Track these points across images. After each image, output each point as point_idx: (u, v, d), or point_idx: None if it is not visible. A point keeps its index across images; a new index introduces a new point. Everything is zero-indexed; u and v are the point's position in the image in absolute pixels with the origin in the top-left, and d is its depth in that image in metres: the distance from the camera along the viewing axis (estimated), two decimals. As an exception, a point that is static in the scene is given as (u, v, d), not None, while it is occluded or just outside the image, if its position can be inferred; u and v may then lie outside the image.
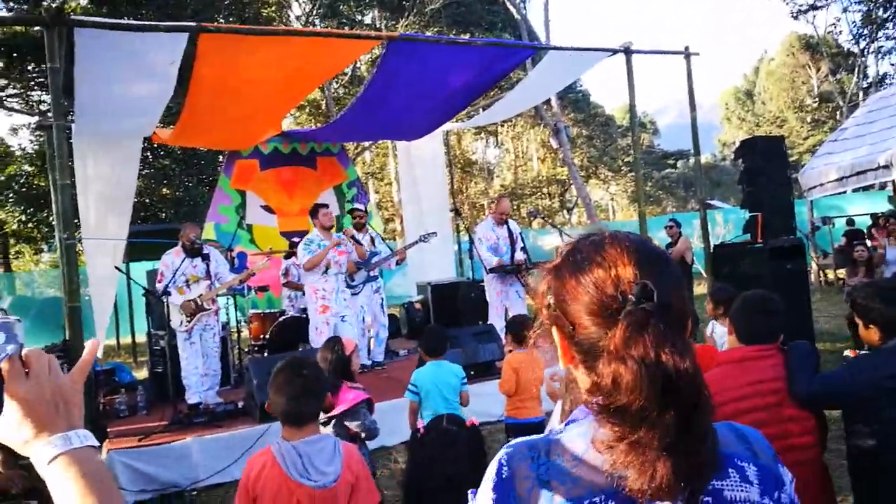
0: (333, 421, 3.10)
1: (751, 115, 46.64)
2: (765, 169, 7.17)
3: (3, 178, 16.38)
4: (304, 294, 7.11)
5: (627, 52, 7.16)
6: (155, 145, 13.76)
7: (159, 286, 5.86)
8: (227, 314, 7.22)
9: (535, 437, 0.95)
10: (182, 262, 5.92)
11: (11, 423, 0.78)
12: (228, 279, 6.33)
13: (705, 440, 0.86)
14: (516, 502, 0.88)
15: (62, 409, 0.81)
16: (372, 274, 7.38)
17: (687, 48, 7.59)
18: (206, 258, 6.09)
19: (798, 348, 2.32)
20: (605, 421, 0.86)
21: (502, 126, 32.18)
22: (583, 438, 0.90)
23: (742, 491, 0.90)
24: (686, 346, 0.86)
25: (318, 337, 6.39)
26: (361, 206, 7.63)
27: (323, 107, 22.86)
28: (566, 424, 0.94)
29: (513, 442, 0.95)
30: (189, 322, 5.91)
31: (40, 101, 17.78)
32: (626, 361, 0.84)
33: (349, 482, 2.09)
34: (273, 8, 21.11)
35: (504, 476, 0.90)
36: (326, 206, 6.95)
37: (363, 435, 3.13)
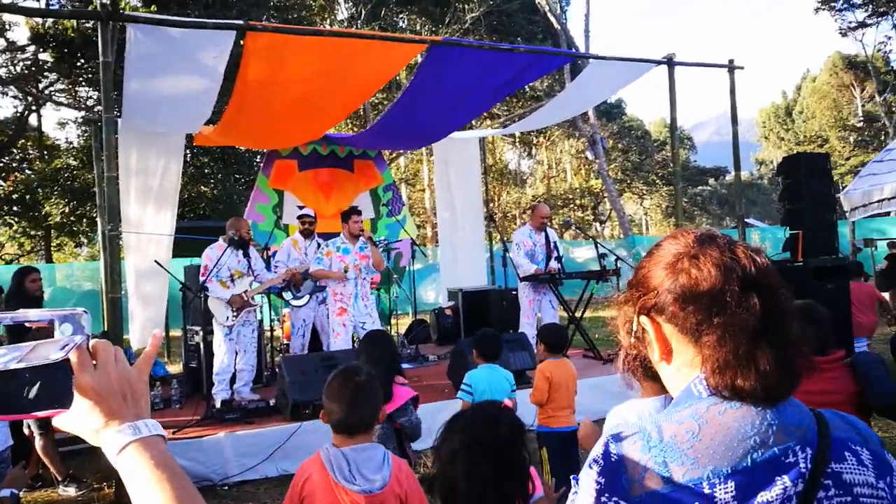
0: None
1: (790, 133, 45.86)
2: (808, 187, 7.03)
3: (49, 171, 16.81)
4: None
5: (670, 63, 7.08)
6: (194, 144, 14.01)
7: (202, 280, 5.91)
8: (261, 313, 7.28)
9: (638, 421, 0.95)
10: (225, 256, 5.94)
11: (81, 412, 0.79)
12: (269, 277, 6.36)
13: (793, 333, 0.92)
14: (629, 484, 0.88)
15: (130, 399, 0.81)
16: (320, 284, 6.79)
17: (731, 61, 7.49)
18: (246, 254, 6.15)
19: (867, 357, 2.31)
20: (692, 312, 0.92)
21: (537, 136, 32.11)
22: (694, 419, 0.90)
23: (860, 474, 0.90)
24: (759, 249, 0.95)
25: (335, 339, 6.36)
26: (311, 213, 7.22)
27: (361, 112, 23.08)
28: (670, 409, 0.95)
29: (616, 426, 0.96)
30: (235, 317, 5.95)
31: (88, 97, 18.27)
32: (700, 257, 0.94)
33: (398, 494, 2.06)
34: (316, 12, 21.41)
35: (613, 459, 0.91)
36: (360, 213, 6.71)
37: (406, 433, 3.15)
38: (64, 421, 0.80)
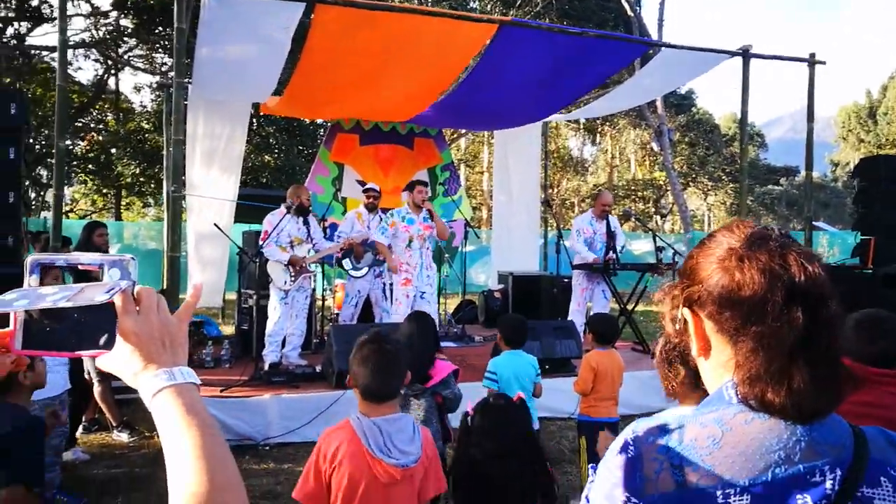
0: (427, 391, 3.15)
1: (871, 135, 43.72)
2: (884, 191, 6.70)
3: (123, 132, 17.44)
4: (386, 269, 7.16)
5: (746, 55, 6.81)
6: (260, 114, 14.29)
7: (261, 244, 6.04)
8: (314, 281, 7.42)
9: (664, 416, 0.92)
10: (285, 221, 6.06)
11: (122, 355, 0.82)
12: (327, 246, 6.51)
13: (838, 349, 0.86)
14: (642, 483, 0.86)
15: (168, 346, 0.84)
16: (379, 258, 6.96)
17: (812, 55, 7.13)
18: (306, 222, 6.29)
19: None
20: (729, 317, 0.88)
21: (602, 123, 31.50)
22: (718, 424, 0.87)
23: (893, 502, 0.84)
24: (814, 255, 0.88)
25: (397, 308, 6.47)
26: (376, 187, 7.43)
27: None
28: (699, 408, 0.92)
29: (640, 421, 0.93)
30: (293, 281, 6.07)
31: (163, 63, 18.82)
32: (746, 260, 0.88)
33: (424, 465, 2.07)
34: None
35: (630, 455, 0.89)
36: (425, 183, 6.87)
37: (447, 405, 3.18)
38: (106, 362, 0.83)
